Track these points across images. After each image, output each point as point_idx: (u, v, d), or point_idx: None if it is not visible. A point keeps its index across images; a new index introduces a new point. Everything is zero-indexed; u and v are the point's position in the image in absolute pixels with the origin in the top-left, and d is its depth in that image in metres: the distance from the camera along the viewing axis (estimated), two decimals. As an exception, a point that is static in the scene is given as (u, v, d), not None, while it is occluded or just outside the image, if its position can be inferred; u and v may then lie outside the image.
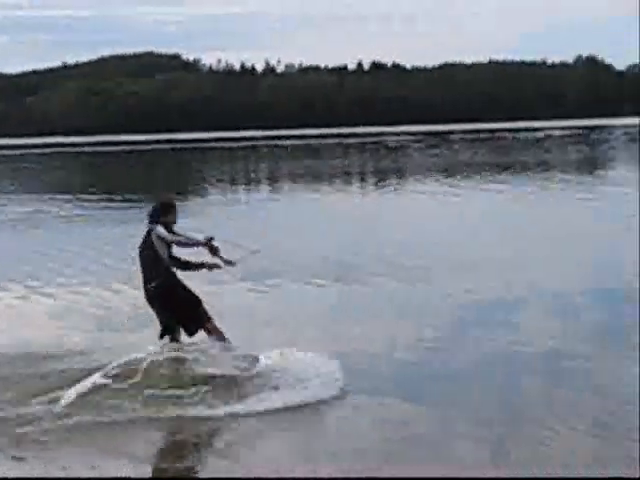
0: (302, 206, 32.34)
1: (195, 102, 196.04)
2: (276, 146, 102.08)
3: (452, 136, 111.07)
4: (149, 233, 10.26)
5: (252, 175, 53.79)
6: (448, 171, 46.38)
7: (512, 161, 53.27)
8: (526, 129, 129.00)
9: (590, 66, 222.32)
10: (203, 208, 32.09)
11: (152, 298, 10.27)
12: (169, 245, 10.21)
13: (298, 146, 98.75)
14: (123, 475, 7.74)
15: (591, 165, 49.31)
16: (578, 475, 7.46)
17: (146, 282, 10.27)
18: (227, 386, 9.67)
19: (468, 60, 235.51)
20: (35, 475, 7.79)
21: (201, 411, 9.06)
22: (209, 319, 10.24)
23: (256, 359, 10.18)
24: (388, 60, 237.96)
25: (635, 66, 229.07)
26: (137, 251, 10.44)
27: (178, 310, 10.21)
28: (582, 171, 44.33)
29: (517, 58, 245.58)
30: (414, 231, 23.18)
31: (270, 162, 68.90)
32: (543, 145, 77.29)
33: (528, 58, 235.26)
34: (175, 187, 45.58)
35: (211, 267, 10.53)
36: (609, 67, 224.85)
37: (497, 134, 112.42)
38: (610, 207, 27.63)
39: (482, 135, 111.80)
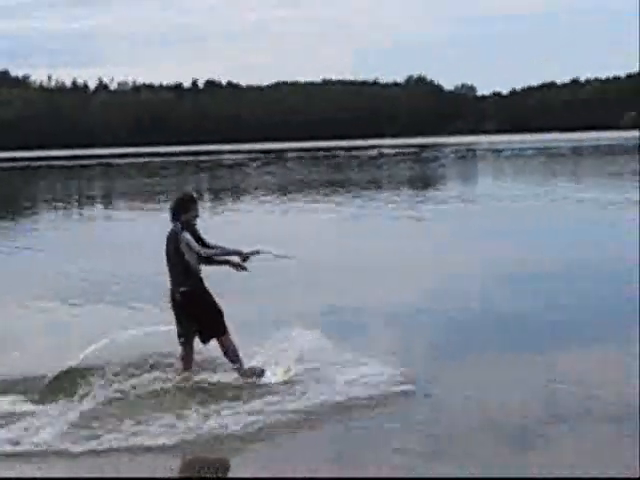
0: (136, 225, 31.70)
1: (24, 119, 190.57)
2: (109, 164, 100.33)
3: (287, 154, 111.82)
4: (175, 235, 10.14)
5: (84, 194, 52.45)
6: (283, 189, 46.55)
7: (346, 179, 53.95)
8: (360, 147, 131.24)
9: (420, 86, 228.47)
10: (33, 228, 31.16)
11: (176, 302, 10.20)
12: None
13: (132, 164, 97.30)
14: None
15: (422, 182, 50.44)
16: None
17: (174, 286, 10.21)
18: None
19: (302, 79, 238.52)
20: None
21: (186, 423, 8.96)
22: (225, 332, 10.23)
23: (262, 371, 10.31)
24: (223, 78, 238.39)
25: (463, 86, 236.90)
26: (164, 249, 10.30)
27: (201, 316, 10.18)
28: (413, 188, 45.25)
29: (350, 78, 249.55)
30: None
31: (103, 181, 67.55)
32: (376, 163, 78.68)
33: (360, 78, 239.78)
34: (3, 207, 44.10)
35: (235, 266, 10.49)
36: (438, 87, 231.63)
37: (331, 152, 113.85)
38: (439, 223, 28.22)
39: (317, 153, 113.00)
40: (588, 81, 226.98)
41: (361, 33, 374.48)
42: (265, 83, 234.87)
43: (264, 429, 8.84)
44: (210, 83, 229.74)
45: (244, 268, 10.46)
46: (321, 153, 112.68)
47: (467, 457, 8.11)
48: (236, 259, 10.48)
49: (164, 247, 10.33)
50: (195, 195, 10.70)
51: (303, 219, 31.51)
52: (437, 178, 55.13)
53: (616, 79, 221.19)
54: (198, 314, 10.16)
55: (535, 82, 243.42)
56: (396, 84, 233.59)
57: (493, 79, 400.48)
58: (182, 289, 10.11)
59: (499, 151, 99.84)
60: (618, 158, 70.24)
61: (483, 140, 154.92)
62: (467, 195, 38.05)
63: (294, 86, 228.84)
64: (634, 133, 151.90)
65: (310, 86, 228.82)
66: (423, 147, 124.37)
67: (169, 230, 10.32)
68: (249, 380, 10.18)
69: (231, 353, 10.26)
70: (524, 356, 11.41)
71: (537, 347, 11.79)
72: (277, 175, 63.08)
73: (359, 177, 55.64)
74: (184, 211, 10.21)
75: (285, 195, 42.00)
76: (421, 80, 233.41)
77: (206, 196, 47.25)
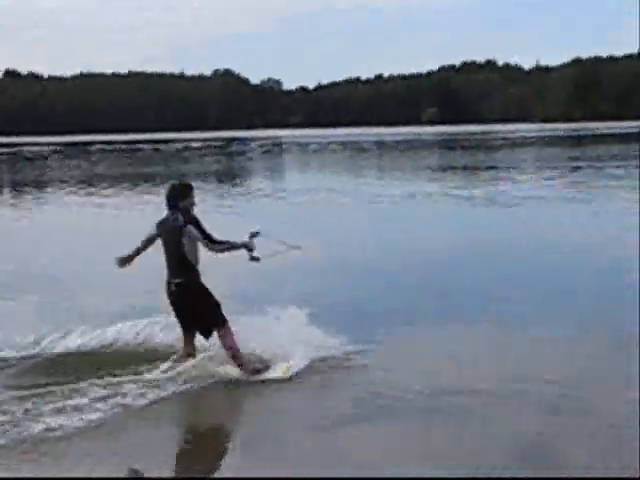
0: None
1: None
2: None
3: (91, 147, 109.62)
4: (178, 227, 10.01)
5: None
6: (87, 182, 45.68)
7: (151, 172, 53.40)
8: (166, 140, 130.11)
9: (227, 79, 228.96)
10: None
11: (172, 292, 10.15)
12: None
13: None
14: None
15: (229, 175, 50.55)
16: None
17: (170, 276, 10.16)
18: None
19: (108, 70, 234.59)
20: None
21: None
22: (225, 323, 10.17)
23: (267, 365, 10.32)
24: (24, 68, 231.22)
25: (270, 80, 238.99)
26: (158, 232, 10.23)
27: (197, 308, 10.12)
28: (221, 181, 45.28)
29: (157, 69, 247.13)
30: (50, 243, 22.48)
31: None
32: (182, 156, 78.25)
33: (167, 70, 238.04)
34: None
35: (244, 245, 10.35)
36: (245, 80, 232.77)
37: (136, 146, 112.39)
38: (245, 217, 28.37)
39: (122, 146, 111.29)
40: (391, 77, 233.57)
41: (172, 26, 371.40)
42: (69, 74, 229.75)
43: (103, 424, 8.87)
44: (9, 72, 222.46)
45: (256, 259, 10.35)
46: (126, 146, 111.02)
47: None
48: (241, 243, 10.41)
49: (153, 234, 10.26)
50: (192, 183, 10.64)
51: (98, 213, 31.00)
52: (242, 171, 55.36)
53: (417, 76, 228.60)
54: (194, 306, 10.12)
55: (340, 77, 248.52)
56: (202, 77, 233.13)
57: (299, 74, 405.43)
58: (177, 280, 10.08)
59: (305, 145, 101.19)
60: (418, 153, 72.51)
61: (289, 134, 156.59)
62: (270, 189, 38.36)
63: (98, 77, 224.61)
64: (434, 128, 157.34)
65: (116, 77, 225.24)
66: (230, 141, 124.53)
67: (161, 219, 10.24)
68: (250, 374, 10.13)
69: (230, 345, 10.19)
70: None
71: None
72: (79, 168, 61.78)
73: (165, 170, 55.15)
74: (182, 198, 10.17)
75: (90, 188, 41.20)
76: (227, 73, 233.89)
77: (5, 189, 45.82)
